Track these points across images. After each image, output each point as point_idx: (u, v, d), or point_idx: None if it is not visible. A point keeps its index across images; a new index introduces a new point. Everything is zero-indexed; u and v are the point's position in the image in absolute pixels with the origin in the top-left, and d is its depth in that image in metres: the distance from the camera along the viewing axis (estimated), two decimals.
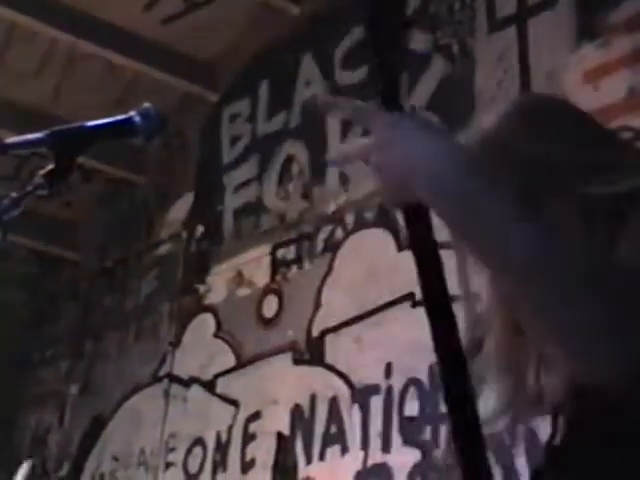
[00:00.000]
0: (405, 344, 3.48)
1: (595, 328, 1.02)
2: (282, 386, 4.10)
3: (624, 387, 1.05)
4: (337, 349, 3.93)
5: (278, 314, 4.26)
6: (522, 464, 2.95)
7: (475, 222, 1.08)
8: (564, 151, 1.29)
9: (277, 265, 4.38)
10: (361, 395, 3.74)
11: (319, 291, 4.07)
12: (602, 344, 1.02)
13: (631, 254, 1.10)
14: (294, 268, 4.29)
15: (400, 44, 1.14)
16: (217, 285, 4.68)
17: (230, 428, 4.28)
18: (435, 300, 1.18)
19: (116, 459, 4.88)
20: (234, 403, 4.31)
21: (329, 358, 3.96)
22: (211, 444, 4.35)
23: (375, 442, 3.62)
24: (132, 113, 1.40)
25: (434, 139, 1.15)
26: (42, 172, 1.34)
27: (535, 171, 1.29)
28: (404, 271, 3.39)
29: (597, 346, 1.03)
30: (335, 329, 3.93)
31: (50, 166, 1.35)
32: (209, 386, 4.47)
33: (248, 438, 4.19)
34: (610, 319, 1.02)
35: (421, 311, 1.20)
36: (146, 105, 1.41)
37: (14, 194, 1.35)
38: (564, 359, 1.11)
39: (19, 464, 5.50)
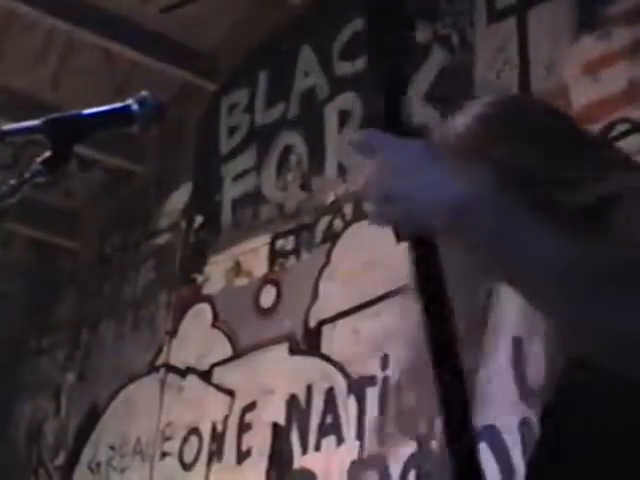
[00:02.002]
0: (402, 335, 3.47)
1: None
2: (278, 376, 4.09)
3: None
4: (334, 340, 3.93)
5: (275, 304, 4.26)
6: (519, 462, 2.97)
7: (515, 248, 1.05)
8: (540, 158, 1.28)
9: (275, 255, 4.37)
10: (357, 386, 3.74)
11: (317, 282, 4.07)
12: None
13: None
14: (292, 258, 4.29)
15: (405, 50, 1.05)
16: (215, 275, 4.68)
17: (226, 418, 4.28)
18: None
19: (112, 448, 4.87)
20: (230, 393, 4.31)
21: (325, 349, 3.95)
22: (207, 434, 4.35)
23: (371, 433, 3.63)
24: (129, 101, 1.40)
25: (454, 174, 1.10)
26: (39, 159, 1.34)
27: (512, 178, 1.27)
28: (402, 262, 3.38)
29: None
30: (332, 320, 3.93)
31: (47, 153, 1.35)
32: (205, 376, 4.47)
33: (244, 428, 4.19)
34: None
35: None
36: (143, 93, 1.41)
37: (12, 181, 1.35)
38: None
39: (14, 453, 5.51)
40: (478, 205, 1.06)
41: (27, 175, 1.36)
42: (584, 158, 1.28)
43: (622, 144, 3.05)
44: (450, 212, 1.07)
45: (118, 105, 1.39)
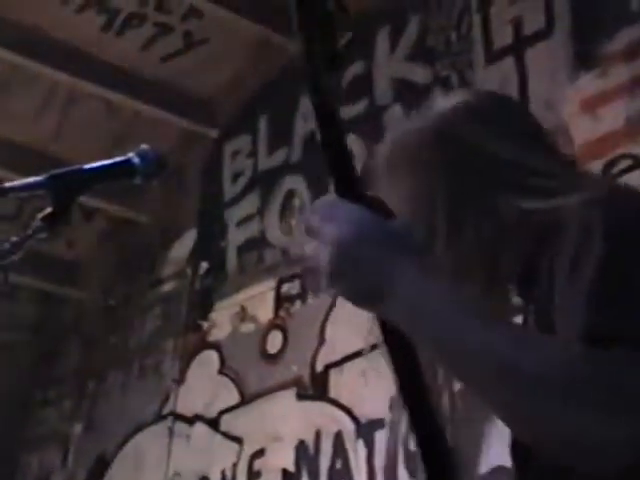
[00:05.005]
0: None
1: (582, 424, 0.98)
2: (286, 422, 4.07)
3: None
4: (341, 384, 3.91)
5: (282, 349, 4.25)
6: None
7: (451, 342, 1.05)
8: (509, 150, 1.32)
9: (281, 300, 4.37)
10: (366, 430, 3.72)
11: (323, 325, 4.06)
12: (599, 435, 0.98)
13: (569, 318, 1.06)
14: (298, 303, 4.28)
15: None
16: (221, 321, 4.67)
17: (235, 465, 4.25)
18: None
19: None
20: (238, 440, 4.28)
21: (333, 393, 3.94)
22: None
23: (381, 477, 3.60)
24: (130, 155, 1.40)
25: (400, 260, 1.08)
26: (41, 216, 1.35)
27: (487, 167, 1.31)
28: None
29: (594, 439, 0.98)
30: (339, 363, 3.91)
31: (48, 209, 1.36)
32: (213, 423, 4.45)
33: (253, 475, 4.15)
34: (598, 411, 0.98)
35: None
36: (144, 146, 1.42)
37: (14, 238, 1.36)
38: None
39: None
40: (395, 295, 1.08)
41: (29, 232, 1.37)
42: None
43: (625, 180, 3.06)
44: (369, 298, 1.11)
45: (119, 159, 1.40)
